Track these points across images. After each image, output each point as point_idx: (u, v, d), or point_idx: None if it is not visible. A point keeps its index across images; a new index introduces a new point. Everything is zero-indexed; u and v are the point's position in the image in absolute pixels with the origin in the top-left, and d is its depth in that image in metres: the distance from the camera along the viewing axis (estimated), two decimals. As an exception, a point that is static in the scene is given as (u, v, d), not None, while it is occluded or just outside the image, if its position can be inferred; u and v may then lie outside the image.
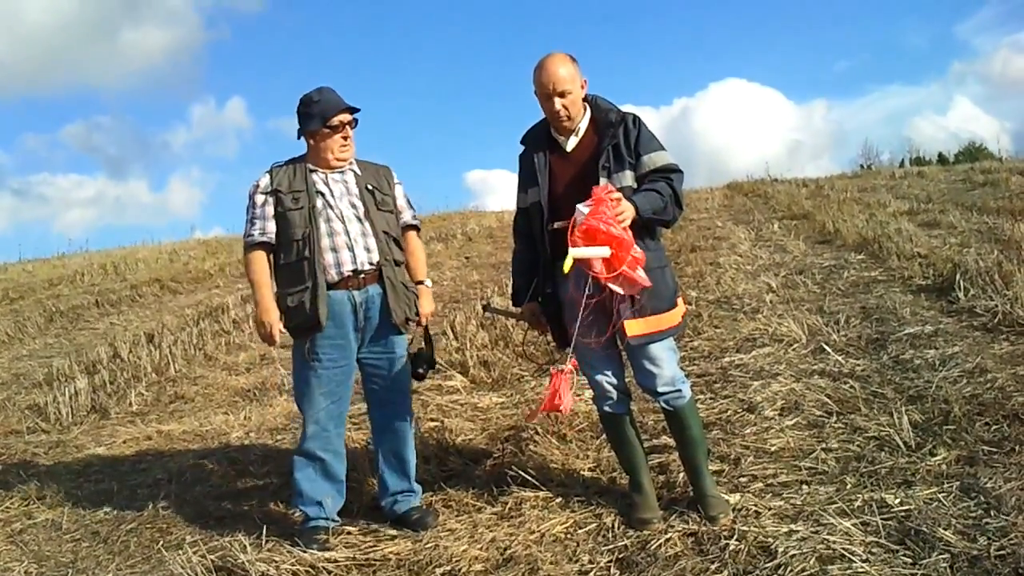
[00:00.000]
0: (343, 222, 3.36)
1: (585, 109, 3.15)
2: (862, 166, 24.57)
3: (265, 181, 3.39)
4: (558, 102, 3.03)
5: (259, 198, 3.37)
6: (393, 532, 3.34)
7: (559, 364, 2.96)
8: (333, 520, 3.39)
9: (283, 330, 3.32)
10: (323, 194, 3.37)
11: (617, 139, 3.05)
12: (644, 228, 2.96)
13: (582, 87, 3.09)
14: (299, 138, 3.43)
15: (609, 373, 3.16)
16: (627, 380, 3.25)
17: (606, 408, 3.19)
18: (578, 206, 2.84)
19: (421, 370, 3.55)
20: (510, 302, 3.60)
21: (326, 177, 3.41)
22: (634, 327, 2.96)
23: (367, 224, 3.40)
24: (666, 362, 3.05)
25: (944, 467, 3.20)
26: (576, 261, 2.73)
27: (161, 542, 3.56)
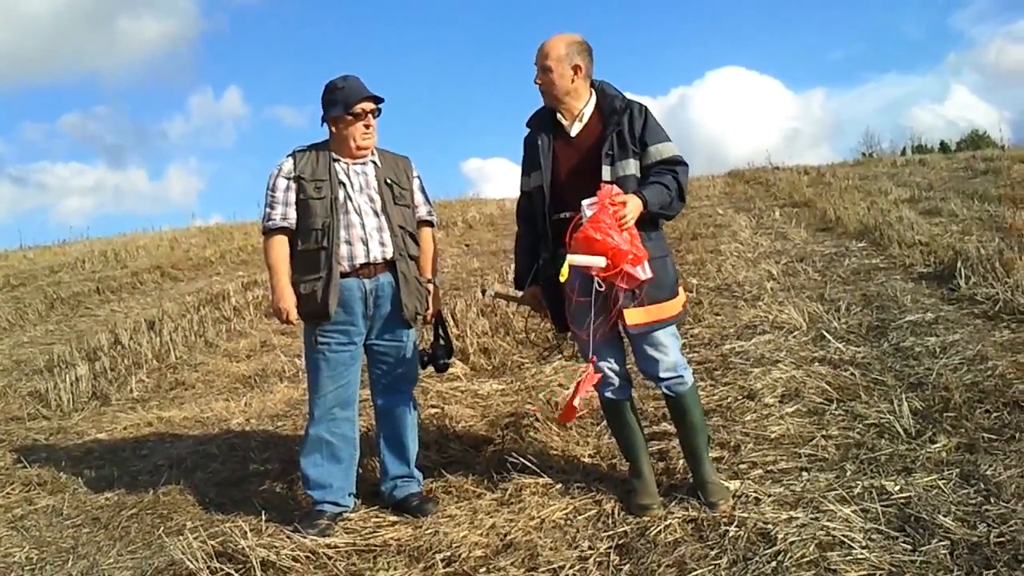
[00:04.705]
0: (360, 215, 3.35)
1: (591, 95, 3.15)
2: (863, 154, 24.50)
3: (288, 166, 3.38)
4: (536, 74, 3.13)
5: (281, 182, 3.36)
6: (393, 518, 3.35)
7: (588, 367, 2.98)
8: (341, 504, 3.40)
9: (299, 318, 3.33)
10: (344, 185, 3.37)
11: (621, 127, 3.05)
12: (647, 220, 2.96)
13: (574, 71, 3.08)
14: (322, 124, 3.43)
15: (611, 359, 3.15)
16: (628, 366, 3.25)
17: (607, 394, 3.19)
18: (583, 203, 2.85)
19: (444, 361, 3.58)
20: (512, 286, 3.60)
21: (348, 167, 3.40)
22: (634, 316, 2.96)
23: (383, 219, 3.39)
24: (669, 348, 3.05)
25: (944, 454, 3.20)
26: (572, 267, 2.80)
27: (162, 528, 3.57)
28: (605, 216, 2.77)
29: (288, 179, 3.36)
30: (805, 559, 2.57)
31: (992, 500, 2.79)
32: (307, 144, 3.46)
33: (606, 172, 2.99)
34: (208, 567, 2.93)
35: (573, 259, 2.79)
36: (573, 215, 2.92)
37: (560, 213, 3.08)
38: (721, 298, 6.32)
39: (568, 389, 4.61)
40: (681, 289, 3.16)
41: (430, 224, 3.66)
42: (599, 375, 2.98)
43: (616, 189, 2.86)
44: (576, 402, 2.88)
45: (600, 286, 2.88)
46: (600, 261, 2.78)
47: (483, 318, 6.45)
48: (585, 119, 3.14)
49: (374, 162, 3.46)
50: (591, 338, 2.93)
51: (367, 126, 3.37)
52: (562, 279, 2.81)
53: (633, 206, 2.83)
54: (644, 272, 2.86)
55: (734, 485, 3.14)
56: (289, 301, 3.30)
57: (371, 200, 3.39)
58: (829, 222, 9.45)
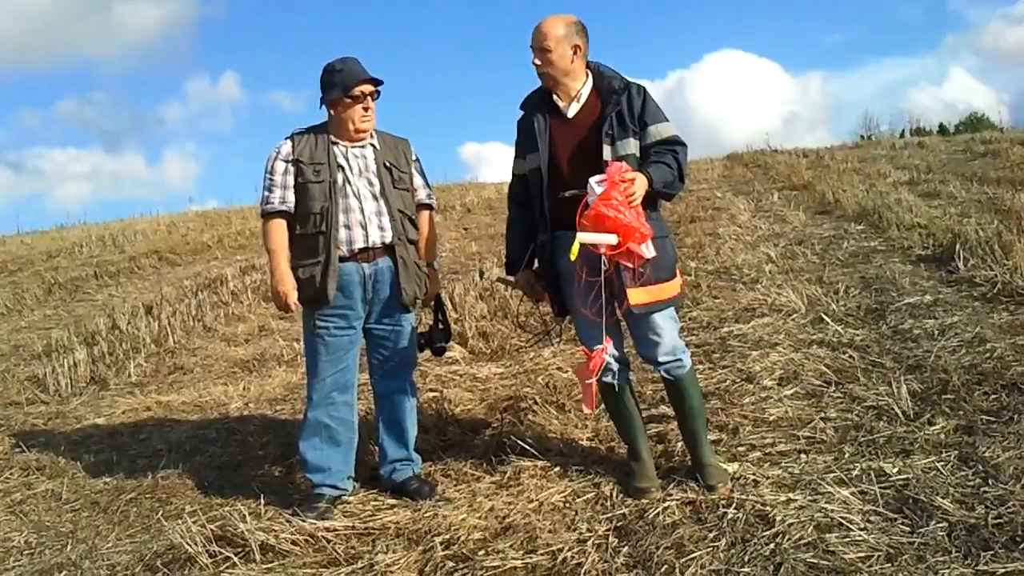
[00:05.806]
0: (359, 199, 3.32)
1: (587, 75, 3.13)
2: (862, 136, 24.42)
3: (287, 148, 3.35)
4: (534, 56, 3.09)
5: (280, 165, 3.33)
6: (392, 501, 3.35)
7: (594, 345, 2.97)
8: (340, 488, 3.40)
9: (297, 302, 3.31)
10: (343, 168, 3.34)
11: (620, 106, 3.03)
12: (647, 200, 2.94)
13: (574, 51, 3.06)
14: (321, 107, 3.40)
15: (609, 344, 3.15)
16: (626, 350, 3.24)
17: (606, 379, 3.18)
18: (591, 181, 2.82)
19: (441, 344, 3.58)
20: (504, 271, 3.59)
21: (346, 151, 3.37)
22: (636, 296, 2.95)
23: (382, 203, 3.36)
24: (667, 331, 3.05)
25: (942, 436, 3.21)
26: (582, 245, 2.76)
27: (161, 512, 3.57)
28: (616, 193, 2.74)
29: (286, 162, 3.33)
30: (803, 541, 2.57)
31: (990, 482, 2.79)
32: (306, 127, 3.44)
33: (606, 151, 2.97)
34: (207, 551, 2.93)
35: (583, 237, 2.76)
36: (577, 193, 2.89)
37: (560, 193, 3.06)
38: (720, 281, 6.31)
39: (567, 373, 4.61)
40: (678, 271, 3.15)
41: (429, 207, 3.63)
42: (599, 357, 2.95)
43: (625, 166, 2.84)
44: (590, 381, 2.88)
45: (606, 264, 2.86)
46: (611, 238, 2.76)
47: (481, 302, 6.45)
48: (583, 100, 3.11)
49: (373, 145, 3.43)
50: (604, 320, 2.92)
51: (366, 109, 3.34)
52: (572, 258, 2.78)
53: (641, 183, 2.82)
54: (648, 250, 2.85)
55: (732, 467, 3.15)
56: (288, 285, 3.28)
57: (370, 184, 3.37)
58: (828, 205, 9.44)
